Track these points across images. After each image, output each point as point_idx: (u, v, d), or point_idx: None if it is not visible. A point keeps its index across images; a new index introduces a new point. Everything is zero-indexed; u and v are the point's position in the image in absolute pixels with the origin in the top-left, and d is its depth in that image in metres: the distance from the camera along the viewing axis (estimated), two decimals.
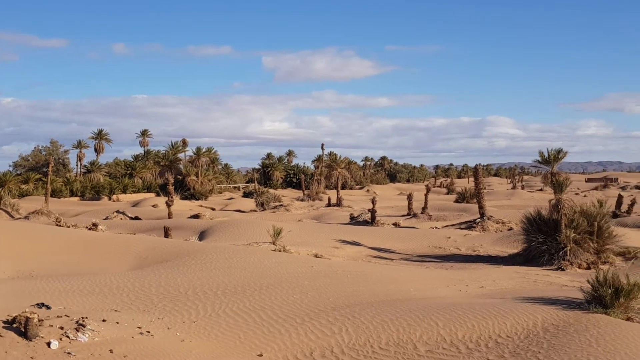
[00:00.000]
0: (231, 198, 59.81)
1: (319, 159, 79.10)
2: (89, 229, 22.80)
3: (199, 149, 74.97)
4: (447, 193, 69.02)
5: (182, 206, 48.02)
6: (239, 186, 76.88)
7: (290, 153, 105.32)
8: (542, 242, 19.65)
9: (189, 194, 59.16)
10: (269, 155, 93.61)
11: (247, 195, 60.09)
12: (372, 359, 8.46)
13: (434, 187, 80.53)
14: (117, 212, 38.01)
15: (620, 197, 38.47)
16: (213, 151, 78.00)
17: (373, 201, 33.85)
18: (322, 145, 74.74)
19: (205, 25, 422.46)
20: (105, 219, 33.44)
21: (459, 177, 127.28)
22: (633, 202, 37.24)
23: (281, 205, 45.63)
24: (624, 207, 36.43)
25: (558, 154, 22.76)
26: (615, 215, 32.03)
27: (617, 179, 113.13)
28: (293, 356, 8.54)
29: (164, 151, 77.45)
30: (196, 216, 35.89)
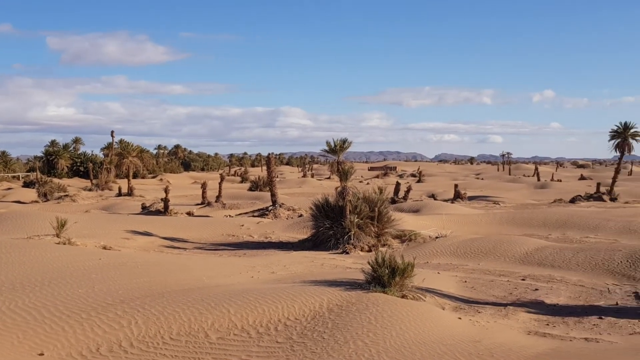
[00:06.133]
0: (9, 188, 54.97)
1: (108, 146, 75.46)
2: None
3: None
4: (241, 182, 69.81)
5: None
6: (19, 175, 70.86)
7: (77, 140, 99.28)
8: (329, 227, 20.74)
9: None
10: (53, 143, 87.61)
11: (28, 185, 55.61)
12: (163, 350, 8.37)
13: (229, 175, 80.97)
14: None
15: (397, 184, 41.85)
16: None
17: (166, 190, 33.20)
18: (112, 132, 71.30)
19: None
20: None
21: (253, 165, 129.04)
22: (409, 189, 40.69)
23: (67, 195, 42.97)
24: (401, 194, 39.69)
25: (343, 144, 24.06)
26: (393, 201, 34.79)
27: (396, 167, 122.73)
28: (78, 353, 8.15)
29: None
30: None
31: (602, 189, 43.14)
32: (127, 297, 10.39)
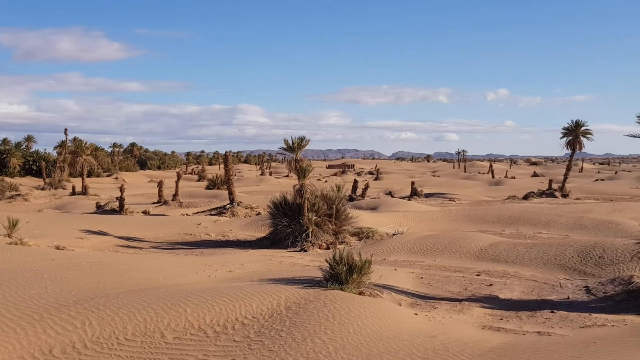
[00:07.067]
0: None
1: (62, 144, 73.91)
2: None
3: None
4: (199, 180, 69.15)
5: None
6: None
7: (29, 138, 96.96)
8: (287, 225, 20.73)
9: None
10: (4, 141, 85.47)
11: None
12: (118, 350, 8.24)
13: (185, 174, 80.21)
14: None
15: (355, 182, 42.06)
16: None
17: (121, 189, 32.68)
18: (66, 130, 69.65)
19: None
20: None
21: (211, 164, 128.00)
22: (366, 187, 40.93)
23: (19, 194, 41.93)
24: (359, 191, 39.89)
25: (301, 142, 24.06)
26: (351, 199, 34.96)
27: (354, 165, 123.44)
28: (30, 355, 7.97)
29: None
30: None
31: (554, 186, 44.12)
32: (80, 298, 10.21)
